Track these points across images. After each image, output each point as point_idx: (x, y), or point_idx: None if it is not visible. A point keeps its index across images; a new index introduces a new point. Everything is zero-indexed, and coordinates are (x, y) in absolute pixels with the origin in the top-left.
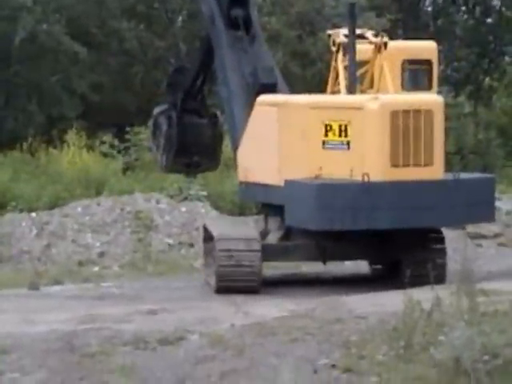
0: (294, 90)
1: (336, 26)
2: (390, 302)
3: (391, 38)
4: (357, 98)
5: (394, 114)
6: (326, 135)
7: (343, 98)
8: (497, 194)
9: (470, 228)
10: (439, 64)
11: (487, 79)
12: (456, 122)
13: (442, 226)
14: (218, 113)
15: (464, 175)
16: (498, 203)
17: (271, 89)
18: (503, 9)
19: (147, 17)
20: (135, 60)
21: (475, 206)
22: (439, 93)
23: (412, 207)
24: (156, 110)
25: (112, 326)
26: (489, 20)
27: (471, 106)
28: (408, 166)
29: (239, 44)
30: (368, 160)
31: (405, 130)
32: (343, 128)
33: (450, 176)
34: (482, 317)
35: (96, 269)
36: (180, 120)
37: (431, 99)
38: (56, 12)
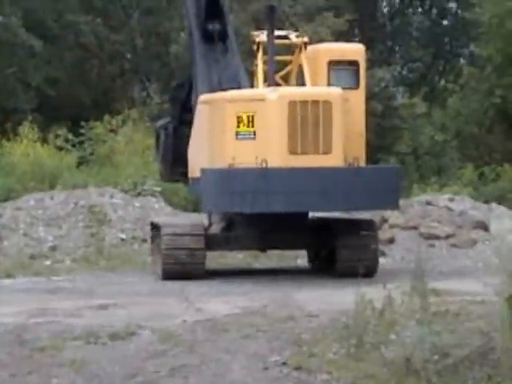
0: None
1: (260, 28)
2: (341, 300)
3: (347, 40)
4: (260, 91)
5: (292, 104)
6: (239, 126)
7: (250, 91)
8: (451, 195)
9: (423, 228)
10: (367, 65)
11: (442, 81)
12: (411, 122)
13: (337, 211)
14: None
15: (368, 165)
16: (451, 204)
17: None
18: (459, 11)
19: (104, 11)
20: (91, 54)
21: (376, 194)
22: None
23: (306, 192)
24: (159, 123)
25: (63, 320)
26: (445, 22)
27: (426, 106)
28: (306, 153)
29: (212, 55)
30: (268, 147)
31: (303, 119)
32: (251, 119)
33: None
34: (433, 316)
35: (48, 262)
36: (176, 131)
37: (330, 91)
38: (12, 4)
